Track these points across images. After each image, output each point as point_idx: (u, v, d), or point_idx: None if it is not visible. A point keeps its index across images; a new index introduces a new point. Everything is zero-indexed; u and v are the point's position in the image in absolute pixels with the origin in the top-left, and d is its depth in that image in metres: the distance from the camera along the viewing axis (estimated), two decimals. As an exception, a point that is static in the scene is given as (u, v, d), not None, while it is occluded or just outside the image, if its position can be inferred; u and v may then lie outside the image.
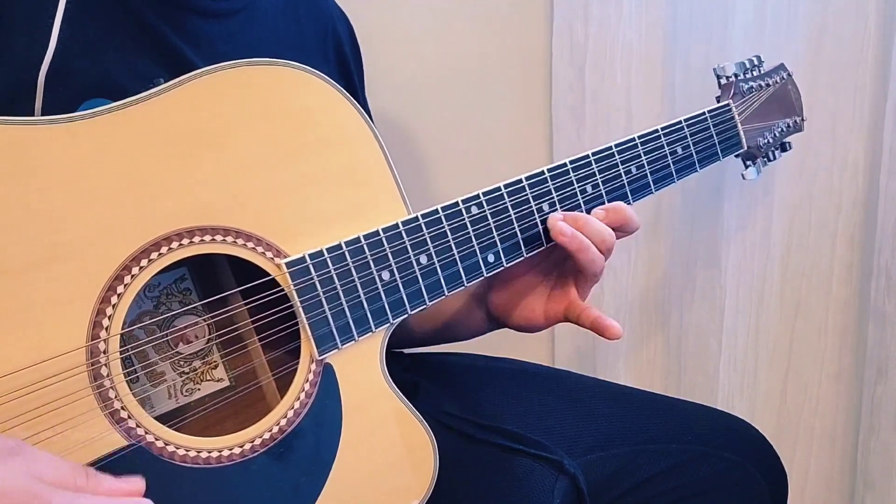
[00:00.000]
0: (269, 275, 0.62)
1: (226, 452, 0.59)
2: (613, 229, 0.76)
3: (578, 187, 0.77)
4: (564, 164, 0.76)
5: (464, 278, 0.71)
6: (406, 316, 0.68)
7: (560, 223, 0.74)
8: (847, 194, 1.21)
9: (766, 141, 0.98)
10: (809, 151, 1.19)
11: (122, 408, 0.55)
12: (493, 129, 1.22)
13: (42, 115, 0.63)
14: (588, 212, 0.78)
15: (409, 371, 0.91)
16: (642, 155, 0.82)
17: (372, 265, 0.66)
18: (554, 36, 1.15)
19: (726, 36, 1.12)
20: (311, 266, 0.63)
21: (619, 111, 1.16)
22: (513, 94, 1.21)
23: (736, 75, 0.96)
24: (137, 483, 0.51)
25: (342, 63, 0.90)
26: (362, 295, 0.65)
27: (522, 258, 0.75)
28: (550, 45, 1.16)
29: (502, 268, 0.74)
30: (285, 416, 0.62)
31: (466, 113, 1.21)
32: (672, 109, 1.16)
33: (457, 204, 0.70)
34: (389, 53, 1.16)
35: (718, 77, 0.97)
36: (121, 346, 0.56)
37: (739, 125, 0.94)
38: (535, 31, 1.18)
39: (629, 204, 0.81)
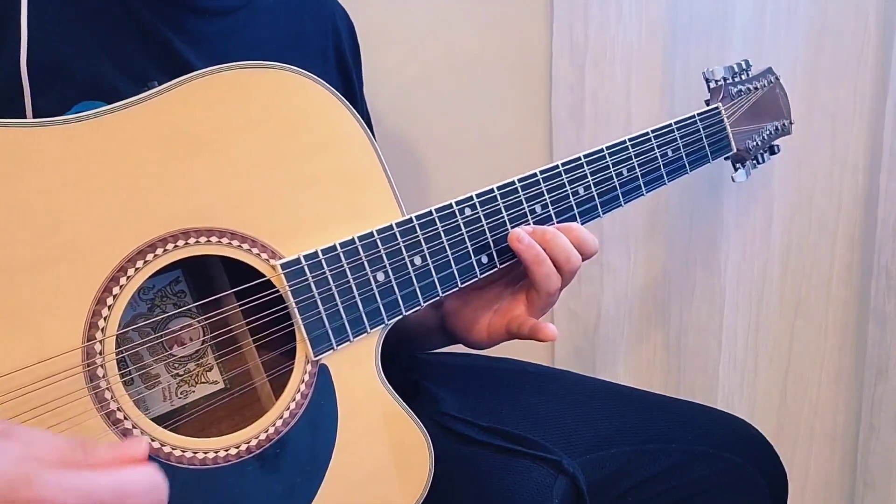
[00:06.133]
0: (264, 276, 0.62)
1: (221, 453, 0.59)
2: None
3: (571, 189, 0.77)
4: (556, 167, 0.76)
5: (458, 279, 0.71)
6: (401, 317, 0.68)
7: (518, 230, 0.72)
8: (847, 194, 1.21)
9: (754, 143, 0.99)
10: (809, 151, 1.19)
11: (118, 409, 0.56)
12: (492, 129, 1.22)
13: (34, 116, 0.64)
14: (581, 215, 0.77)
15: (408, 372, 0.91)
16: (633, 157, 0.82)
17: (367, 266, 0.66)
18: (554, 36, 1.16)
19: (726, 36, 1.12)
20: (305, 267, 0.63)
21: (619, 111, 1.16)
22: (513, 94, 1.21)
23: (725, 79, 0.97)
24: (139, 445, 0.45)
25: (341, 61, 0.90)
26: (357, 296, 0.65)
27: (516, 259, 0.75)
28: (550, 45, 1.16)
29: (496, 269, 0.74)
30: (281, 417, 0.62)
31: (466, 113, 1.21)
32: (672, 109, 1.16)
33: (451, 205, 0.71)
34: (390, 53, 1.16)
35: (707, 80, 0.97)
36: (116, 348, 0.56)
37: (728, 128, 0.94)
38: (535, 31, 1.18)
39: (621, 206, 0.81)
